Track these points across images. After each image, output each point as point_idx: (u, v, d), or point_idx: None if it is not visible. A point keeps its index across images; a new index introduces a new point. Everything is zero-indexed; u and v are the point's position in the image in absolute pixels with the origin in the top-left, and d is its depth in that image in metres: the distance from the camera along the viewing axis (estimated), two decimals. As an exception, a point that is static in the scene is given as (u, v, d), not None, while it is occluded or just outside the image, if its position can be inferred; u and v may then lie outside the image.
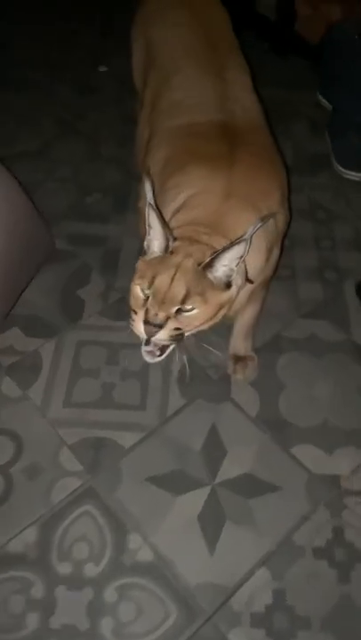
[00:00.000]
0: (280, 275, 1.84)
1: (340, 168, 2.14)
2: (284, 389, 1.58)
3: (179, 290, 1.08)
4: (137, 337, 1.15)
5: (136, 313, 1.12)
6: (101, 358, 1.62)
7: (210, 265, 1.09)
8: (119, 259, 1.86)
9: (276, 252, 1.32)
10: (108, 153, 2.21)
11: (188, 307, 1.08)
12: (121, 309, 1.73)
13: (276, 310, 1.75)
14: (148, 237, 1.14)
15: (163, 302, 1.08)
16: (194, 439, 1.47)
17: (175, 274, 1.08)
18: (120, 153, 2.18)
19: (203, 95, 1.37)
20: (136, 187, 1.84)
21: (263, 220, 1.06)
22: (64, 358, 1.61)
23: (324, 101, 2.40)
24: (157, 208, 1.08)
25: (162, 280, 1.08)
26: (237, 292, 1.16)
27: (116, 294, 1.77)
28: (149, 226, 1.11)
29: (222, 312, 1.14)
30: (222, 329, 1.67)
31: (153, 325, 1.08)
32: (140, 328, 1.11)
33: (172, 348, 1.16)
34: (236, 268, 1.11)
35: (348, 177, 2.13)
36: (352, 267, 1.87)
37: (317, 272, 1.87)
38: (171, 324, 1.09)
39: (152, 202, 1.07)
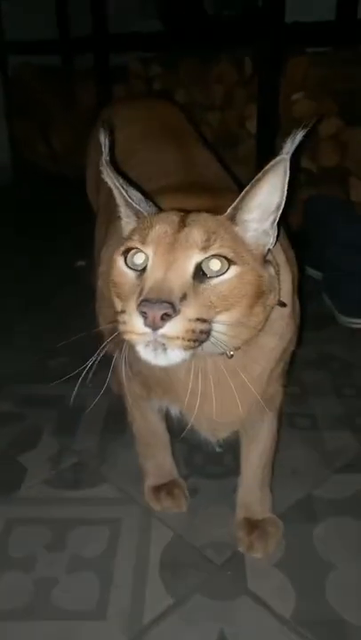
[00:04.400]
0: (297, 424, 1.37)
1: (347, 319, 1.85)
2: (331, 570, 0.98)
3: (196, 230, 0.70)
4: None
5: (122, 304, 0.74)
6: (40, 542, 1.05)
7: (233, 215, 0.73)
8: (81, 418, 1.40)
9: (296, 300, 0.91)
10: (78, 325, 1.90)
11: (215, 262, 0.69)
12: (77, 476, 1.21)
13: (299, 466, 1.24)
14: (122, 214, 0.82)
15: (172, 249, 0.69)
16: (189, 663, 0.83)
17: (185, 218, 0.73)
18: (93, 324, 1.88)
19: (165, 163, 1.13)
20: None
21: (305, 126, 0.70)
22: (-18, 543, 1.04)
23: (313, 272, 2.24)
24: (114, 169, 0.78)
25: (166, 224, 0.72)
26: (273, 299, 0.77)
27: (73, 457, 1.26)
28: (115, 192, 0.80)
29: (261, 307, 0.73)
30: (215, 488, 1.15)
31: (160, 303, 0.64)
32: (134, 319, 0.67)
33: (197, 347, 0.69)
34: (272, 232, 0.74)
35: (357, 326, 1.82)
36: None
37: (345, 420, 1.40)
38: (192, 302, 0.67)
39: (107, 158, 0.76)
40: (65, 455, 1.27)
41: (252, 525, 1.03)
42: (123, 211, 0.81)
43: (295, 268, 0.94)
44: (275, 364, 0.88)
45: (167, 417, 1.14)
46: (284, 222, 0.87)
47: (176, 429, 1.21)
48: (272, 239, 0.75)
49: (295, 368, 1.49)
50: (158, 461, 1.14)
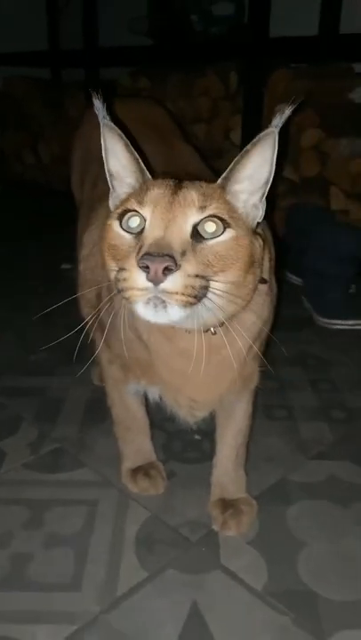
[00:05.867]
0: (274, 415, 1.40)
1: (327, 320, 1.90)
2: (302, 547, 1.01)
3: (194, 192, 0.73)
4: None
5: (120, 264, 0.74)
6: (17, 520, 1.06)
7: (224, 185, 0.76)
8: (61, 408, 1.42)
9: (274, 280, 0.95)
10: (61, 323, 1.92)
11: (210, 224, 0.72)
12: (56, 461, 1.23)
13: (275, 453, 1.26)
14: (114, 184, 0.82)
15: (171, 208, 0.71)
16: (162, 631, 0.85)
17: (180, 183, 0.76)
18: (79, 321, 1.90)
19: (149, 156, 1.16)
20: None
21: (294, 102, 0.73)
22: None
23: (293, 277, 2.29)
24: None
25: (163, 187, 0.74)
26: (259, 272, 0.80)
27: (52, 444, 1.28)
28: (108, 158, 0.80)
29: (251, 276, 0.76)
30: (192, 472, 1.18)
31: (162, 256, 0.66)
32: (135, 274, 0.68)
33: (195, 307, 0.71)
34: (261, 206, 0.78)
35: (335, 327, 1.88)
36: (365, 405, 1.45)
37: (320, 412, 1.43)
38: (191, 259, 0.69)
39: (107, 119, 0.77)
40: (44, 442, 1.28)
41: (226, 504, 1.05)
42: (119, 177, 0.81)
43: (273, 249, 0.98)
44: (253, 340, 0.91)
45: (147, 403, 1.17)
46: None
47: (155, 417, 1.23)
48: (261, 213, 0.78)
49: (273, 364, 1.53)
50: (137, 445, 1.16)
